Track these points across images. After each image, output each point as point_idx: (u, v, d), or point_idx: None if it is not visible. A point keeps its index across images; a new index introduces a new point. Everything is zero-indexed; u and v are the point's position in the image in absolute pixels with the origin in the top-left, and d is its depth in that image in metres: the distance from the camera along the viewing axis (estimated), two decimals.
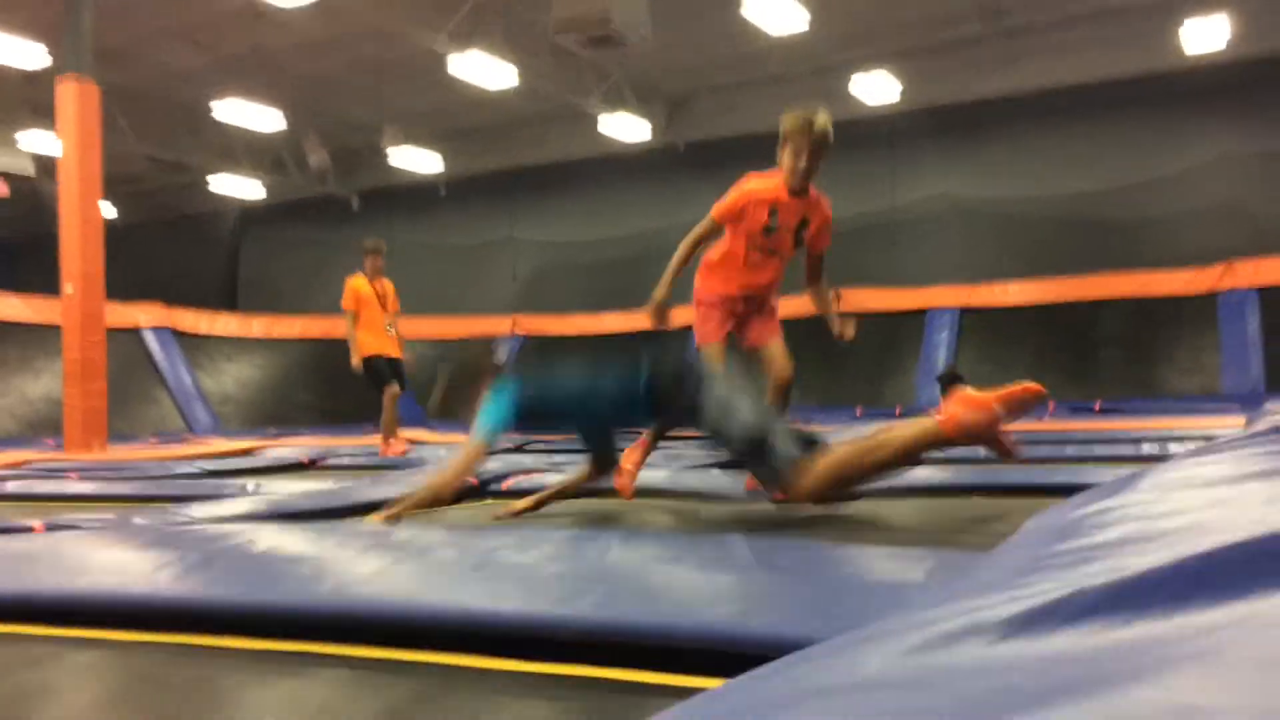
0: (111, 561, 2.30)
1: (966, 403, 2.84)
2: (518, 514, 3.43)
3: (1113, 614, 0.90)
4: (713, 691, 0.99)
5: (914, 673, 0.88)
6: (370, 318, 8.06)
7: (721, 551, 2.07)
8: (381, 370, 8.04)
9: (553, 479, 4.52)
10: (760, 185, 3.85)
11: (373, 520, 3.04)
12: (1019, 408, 2.84)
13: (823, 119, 3.71)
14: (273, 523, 3.53)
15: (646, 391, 3.05)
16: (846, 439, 3.06)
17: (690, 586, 1.79)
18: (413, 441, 9.99)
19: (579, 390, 3.19)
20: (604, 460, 3.50)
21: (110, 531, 2.96)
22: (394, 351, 8.19)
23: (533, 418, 3.21)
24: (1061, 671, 0.79)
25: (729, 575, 1.85)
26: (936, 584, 1.63)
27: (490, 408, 3.12)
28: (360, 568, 1.95)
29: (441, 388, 3.41)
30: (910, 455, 2.92)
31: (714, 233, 3.96)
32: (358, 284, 8.12)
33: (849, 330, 4.04)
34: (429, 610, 1.69)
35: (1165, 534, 1.19)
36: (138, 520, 3.39)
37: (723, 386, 3.01)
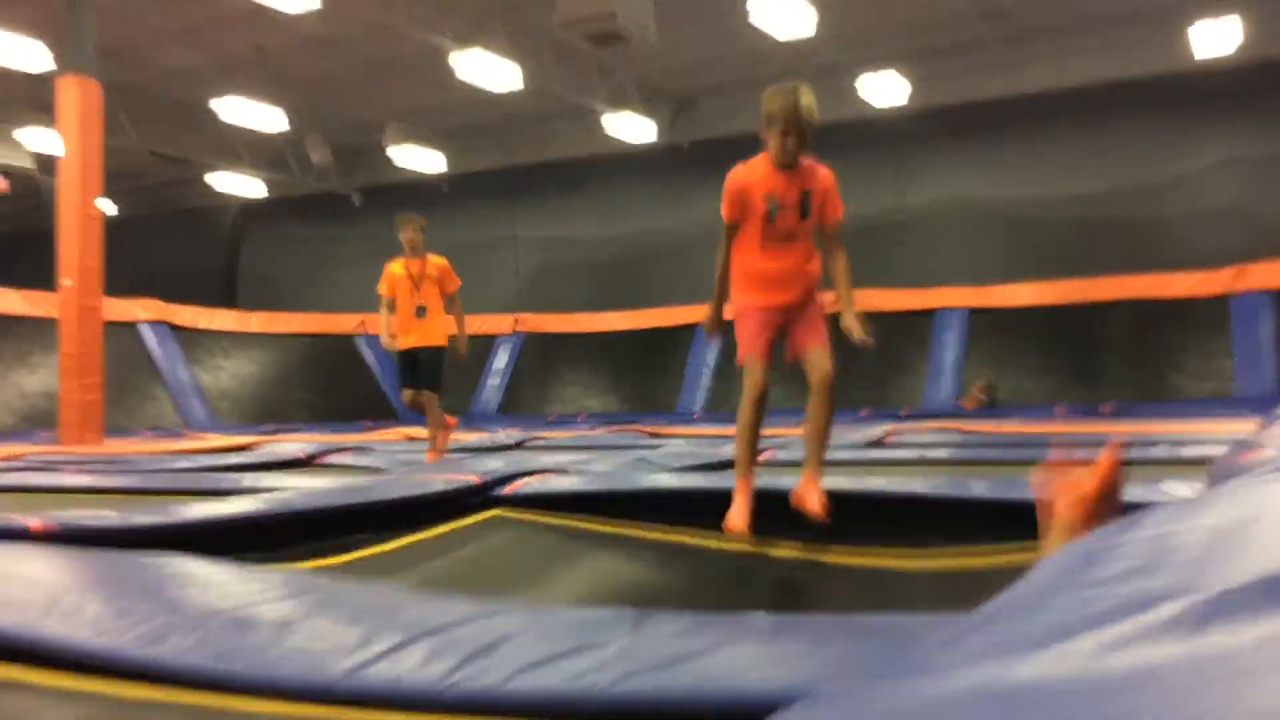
0: (114, 614, 2.18)
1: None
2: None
3: (1129, 648, 0.88)
4: None
5: (927, 711, 0.86)
6: (401, 303, 7.22)
7: (741, 624, 2.01)
8: (402, 371, 7.37)
9: (559, 480, 4.41)
10: (747, 174, 3.74)
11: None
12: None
13: (806, 96, 3.62)
14: (274, 534, 3.43)
15: None
16: None
17: (707, 658, 1.74)
18: (412, 438, 9.90)
19: None
20: None
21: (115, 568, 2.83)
22: (422, 340, 7.22)
23: None
24: (1078, 706, 0.78)
25: (746, 646, 1.81)
26: (942, 642, 1.59)
27: None
28: (375, 646, 1.86)
29: None
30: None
31: (731, 236, 3.81)
32: (392, 267, 7.37)
33: (862, 331, 3.80)
34: (444, 692, 1.63)
35: (1180, 569, 1.15)
36: (136, 519, 3.28)
37: None
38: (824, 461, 3.55)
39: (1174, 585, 1.01)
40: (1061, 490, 2.47)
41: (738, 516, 3.39)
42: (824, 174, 3.79)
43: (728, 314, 3.89)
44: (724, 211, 3.74)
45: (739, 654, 1.74)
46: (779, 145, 3.60)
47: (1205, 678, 0.77)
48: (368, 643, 1.87)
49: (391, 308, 7.21)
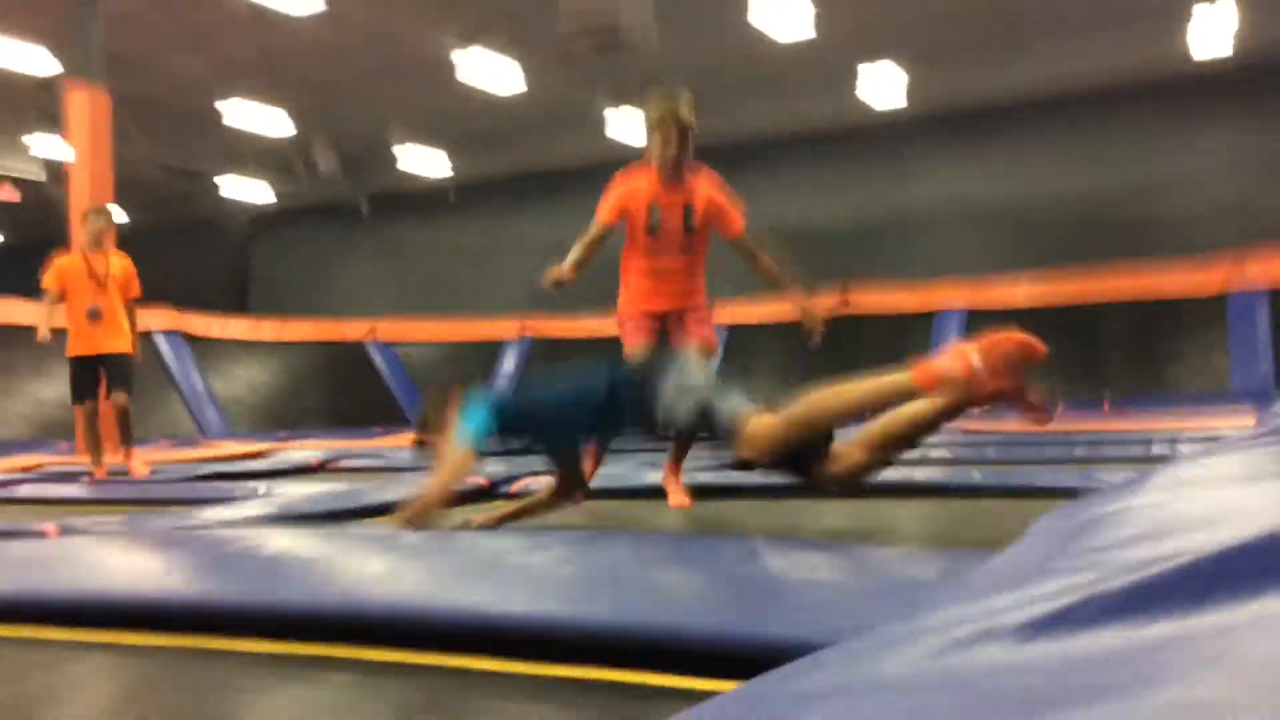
0: (121, 564, 2.31)
1: (946, 352, 2.52)
2: (492, 523, 3.27)
3: (1130, 616, 0.91)
4: (732, 693, 0.99)
5: (934, 675, 0.88)
6: (76, 302, 6.46)
7: (732, 553, 2.07)
8: (79, 378, 6.55)
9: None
10: (632, 183, 3.71)
11: (386, 522, 3.02)
12: (1003, 362, 2.46)
13: (685, 101, 3.63)
14: (282, 526, 3.57)
15: (614, 394, 2.92)
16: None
17: (701, 588, 1.78)
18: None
19: (554, 398, 3.10)
20: (570, 479, 3.32)
21: (120, 535, 2.98)
22: (106, 347, 6.54)
23: (510, 430, 3.10)
24: (1081, 673, 0.80)
25: (740, 577, 1.84)
26: (948, 585, 1.62)
27: (468, 416, 3.03)
28: (369, 569, 1.95)
29: (420, 417, 3.33)
30: (879, 404, 2.62)
31: (602, 236, 3.79)
32: (65, 261, 6.60)
33: (815, 330, 3.71)
34: (439, 610, 1.69)
35: (1178, 534, 1.17)
36: (149, 524, 3.42)
37: (667, 371, 2.87)
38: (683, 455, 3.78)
39: (1174, 552, 1.03)
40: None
41: (677, 494, 3.67)
42: (707, 184, 3.74)
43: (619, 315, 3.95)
44: (600, 213, 3.72)
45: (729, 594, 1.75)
46: (662, 153, 3.59)
47: (1211, 648, 0.79)
48: (363, 566, 1.94)
49: (55, 303, 6.47)
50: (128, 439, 6.64)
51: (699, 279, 3.80)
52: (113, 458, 6.96)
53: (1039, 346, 2.50)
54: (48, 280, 6.52)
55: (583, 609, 1.65)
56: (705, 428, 2.79)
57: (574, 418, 3.05)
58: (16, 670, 1.72)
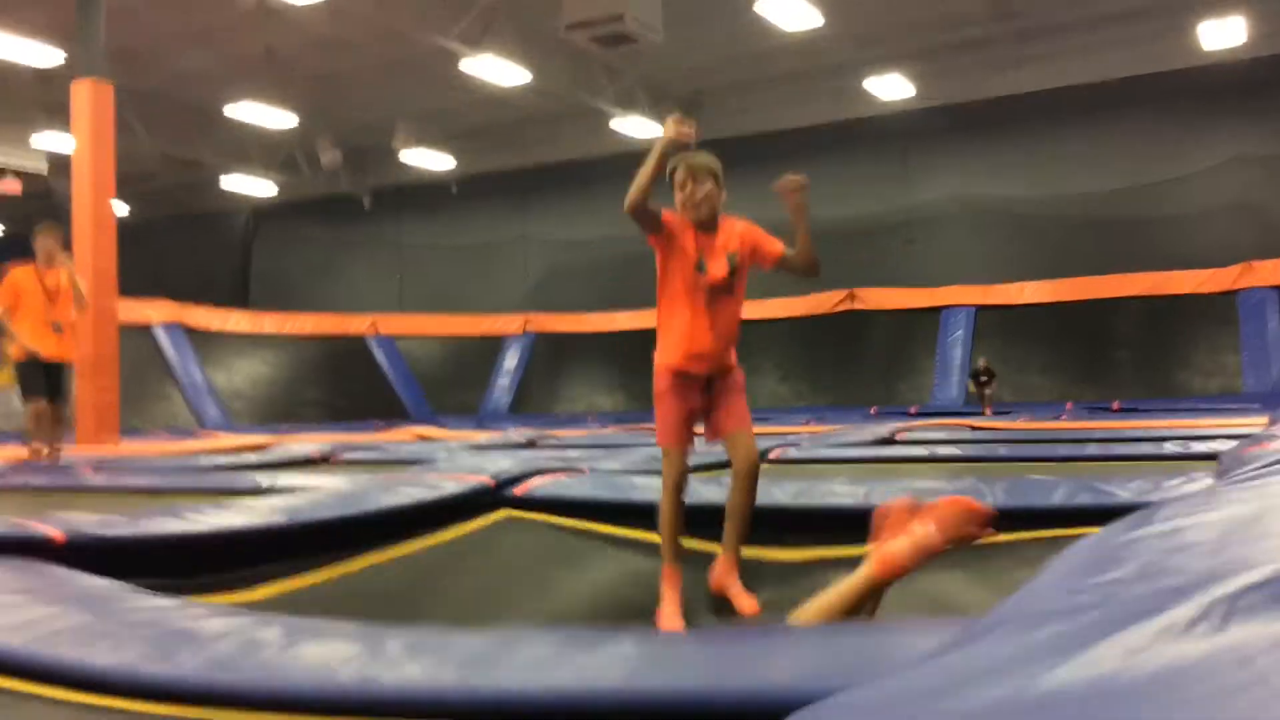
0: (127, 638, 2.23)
1: (902, 536, 2.48)
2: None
3: (1148, 649, 0.89)
4: None
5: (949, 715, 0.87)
6: (31, 312, 6.92)
7: (743, 633, 2.03)
8: (32, 378, 6.97)
9: (567, 480, 4.45)
10: (675, 218, 3.55)
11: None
12: (955, 526, 2.43)
13: (700, 156, 3.52)
14: (286, 543, 3.48)
15: None
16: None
17: (721, 656, 1.76)
18: (424, 437, 9.98)
19: None
20: None
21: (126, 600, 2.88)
22: (61, 354, 7.06)
23: None
24: (1102, 710, 0.79)
25: (739, 650, 1.81)
26: (960, 630, 1.60)
27: None
28: (382, 659, 1.89)
29: None
30: (855, 605, 2.51)
31: (654, 216, 3.54)
32: (17, 276, 6.96)
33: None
34: (453, 692, 1.64)
35: (1195, 566, 1.16)
36: (155, 528, 3.34)
37: None
38: (741, 547, 3.36)
39: (1190, 584, 1.02)
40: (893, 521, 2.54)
41: (671, 615, 3.18)
42: (740, 224, 3.57)
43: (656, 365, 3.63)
44: (660, 217, 3.51)
45: (755, 655, 1.74)
46: (684, 200, 3.44)
47: (1229, 681, 0.78)
48: (374, 653, 1.89)
49: (5, 318, 6.92)
50: (59, 438, 7.34)
51: (737, 323, 3.62)
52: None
53: (988, 512, 2.44)
54: (1, 295, 6.92)
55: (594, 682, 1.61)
56: None
57: None
58: None
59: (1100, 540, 1.68)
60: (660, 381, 3.57)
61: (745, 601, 3.28)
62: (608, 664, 1.68)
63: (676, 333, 3.50)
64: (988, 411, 12.73)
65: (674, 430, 3.46)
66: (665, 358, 3.54)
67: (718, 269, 3.43)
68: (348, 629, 2.10)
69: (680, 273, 3.47)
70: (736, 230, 3.51)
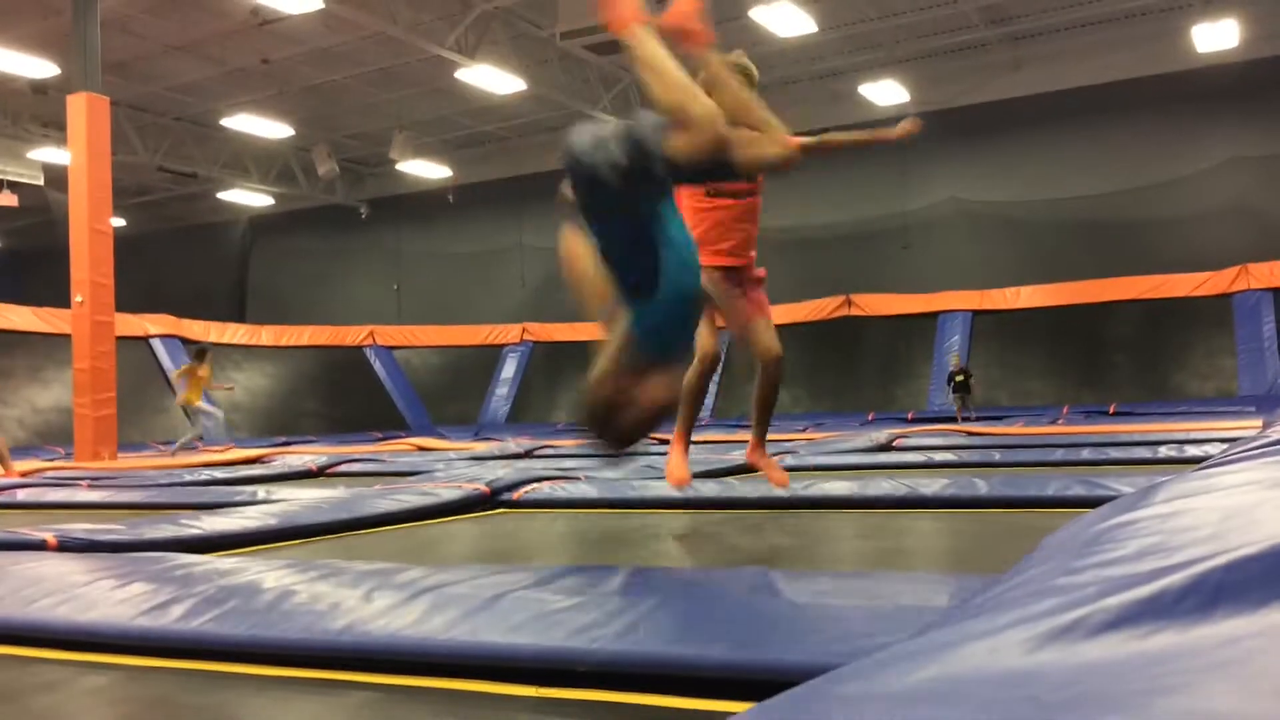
0: (122, 597, 2.25)
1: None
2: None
3: (1138, 626, 0.91)
4: (746, 713, 0.97)
5: (945, 686, 0.89)
6: None
7: (743, 581, 2.03)
8: None
9: (561, 486, 4.49)
10: None
11: None
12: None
13: (736, 54, 3.65)
14: (285, 542, 3.51)
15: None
16: None
17: (713, 616, 1.75)
18: (422, 448, 9.98)
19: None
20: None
21: (122, 563, 2.93)
22: None
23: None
24: (1089, 683, 0.80)
25: (752, 604, 1.82)
26: (958, 603, 1.62)
27: None
28: (373, 604, 1.92)
29: None
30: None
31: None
32: None
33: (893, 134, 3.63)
34: (445, 645, 1.66)
35: (1186, 546, 1.17)
36: (148, 532, 3.35)
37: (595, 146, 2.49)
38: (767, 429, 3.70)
39: (1182, 562, 1.03)
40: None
41: (678, 469, 3.53)
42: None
43: None
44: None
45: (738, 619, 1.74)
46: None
47: (1219, 657, 0.79)
48: (366, 601, 1.92)
49: None
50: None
51: (755, 226, 3.77)
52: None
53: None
54: None
55: (592, 640, 1.61)
56: (646, 161, 2.44)
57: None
58: (16, 691, 1.68)
59: (1092, 520, 1.69)
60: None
61: (777, 475, 3.72)
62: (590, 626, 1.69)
63: (695, 224, 3.62)
64: (960, 417, 12.47)
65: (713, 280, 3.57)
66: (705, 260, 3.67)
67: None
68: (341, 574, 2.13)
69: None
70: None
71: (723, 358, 3.70)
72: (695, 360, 3.55)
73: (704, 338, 3.54)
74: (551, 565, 2.28)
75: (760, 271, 3.76)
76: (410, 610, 1.84)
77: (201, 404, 11.92)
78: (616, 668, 1.52)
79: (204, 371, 12.02)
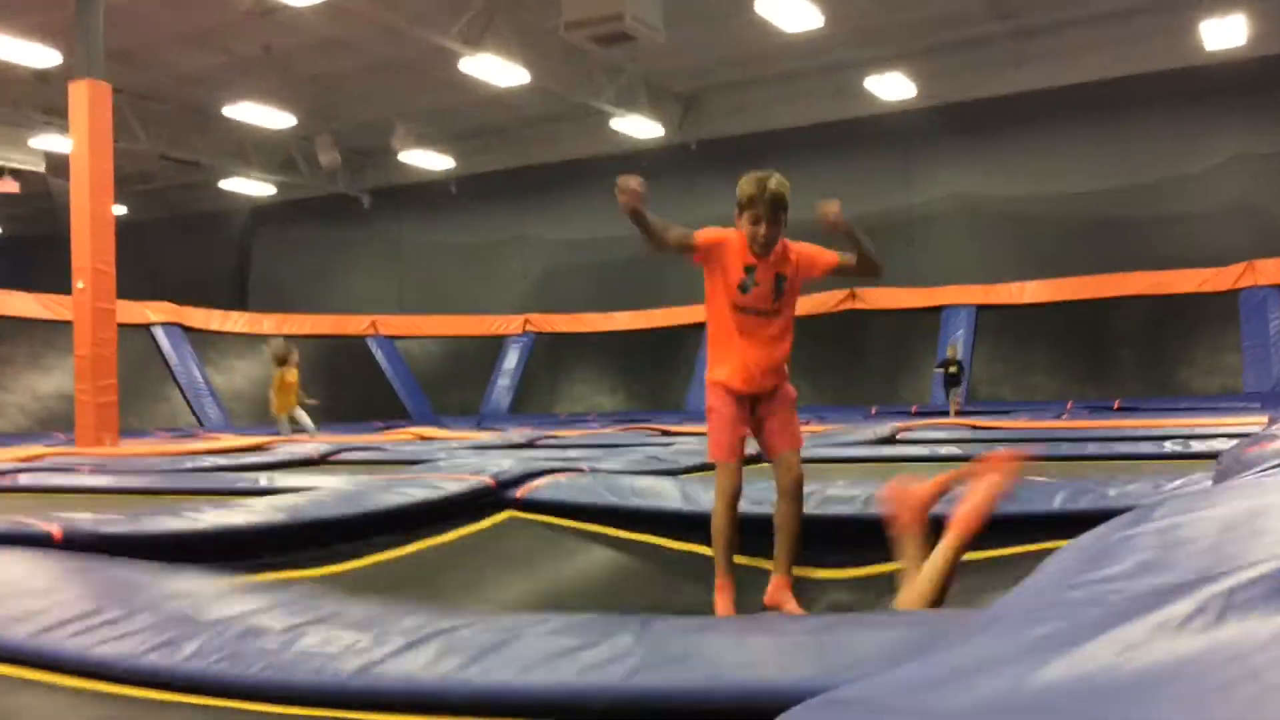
0: (129, 629, 2.21)
1: (916, 508, 2.78)
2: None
3: (1143, 644, 0.90)
4: None
5: (950, 709, 0.88)
6: None
7: (750, 622, 2.03)
8: None
9: (567, 481, 4.43)
10: (726, 236, 3.57)
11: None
12: (1009, 473, 2.74)
13: (775, 181, 3.48)
14: (289, 541, 3.46)
15: None
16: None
17: (719, 651, 1.75)
18: (424, 437, 9.96)
19: None
20: None
21: (129, 588, 2.88)
22: None
23: None
24: (1096, 706, 0.80)
25: (758, 640, 1.82)
26: (960, 625, 1.60)
27: None
28: (382, 647, 1.88)
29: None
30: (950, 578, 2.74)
31: (685, 247, 3.61)
32: None
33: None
34: (459, 687, 1.64)
35: (1191, 562, 1.18)
36: (151, 525, 3.32)
37: None
38: (793, 564, 3.35)
39: (1187, 580, 1.02)
40: (900, 503, 2.71)
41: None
42: (799, 249, 3.61)
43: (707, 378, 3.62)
44: (699, 237, 3.53)
45: (750, 650, 1.74)
46: (753, 233, 3.44)
47: (1225, 675, 0.78)
48: (379, 643, 1.89)
49: None
50: None
51: (787, 343, 3.63)
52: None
53: (1027, 455, 2.85)
54: None
55: (606, 676, 1.61)
56: None
57: None
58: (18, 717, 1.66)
59: (1096, 538, 1.68)
60: (712, 397, 3.55)
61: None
62: (609, 659, 1.67)
63: (724, 351, 3.51)
64: (954, 410, 12.32)
65: (726, 443, 3.43)
66: (716, 375, 3.54)
67: (763, 291, 3.43)
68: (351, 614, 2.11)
69: (725, 292, 3.49)
70: (791, 256, 3.53)
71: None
72: (719, 500, 3.36)
73: (727, 475, 3.37)
74: (564, 598, 2.24)
75: (791, 392, 3.57)
76: (422, 653, 1.82)
77: (297, 410, 11.34)
78: (632, 704, 1.52)
79: (292, 376, 11.46)
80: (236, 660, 1.86)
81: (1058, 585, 1.31)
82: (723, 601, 3.24)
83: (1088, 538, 1.76)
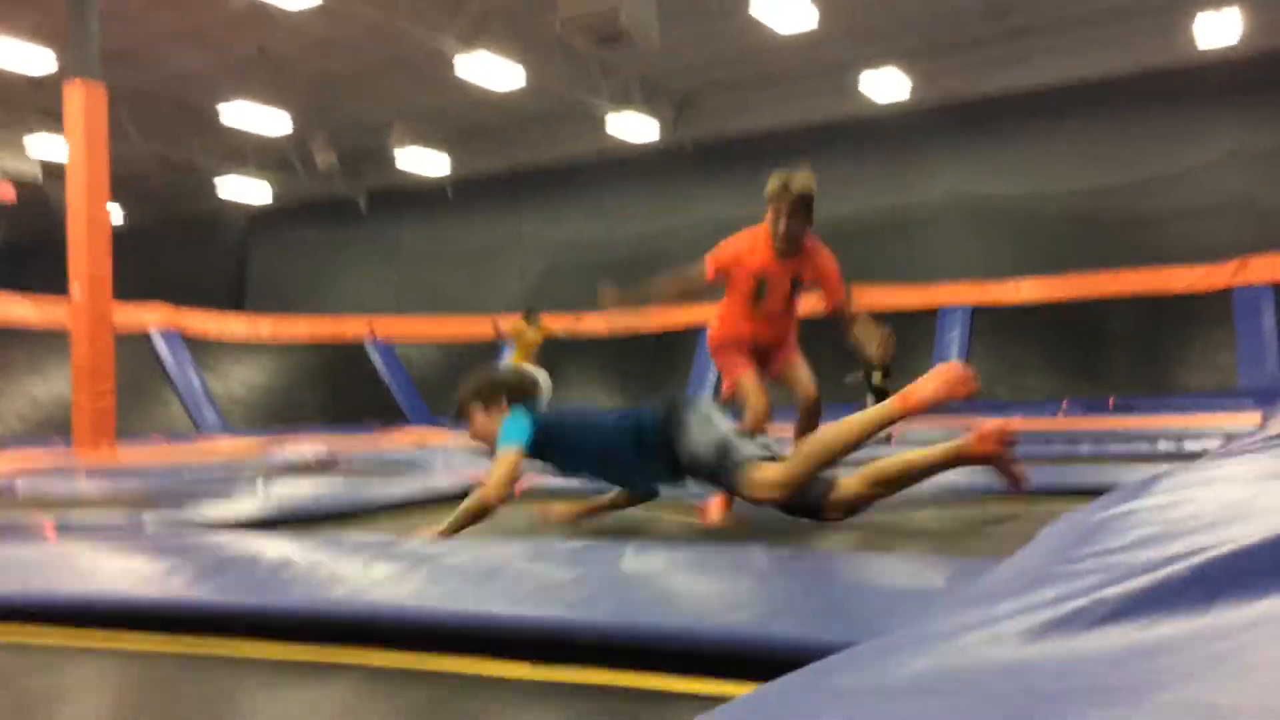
0: (124, 567, 2.27)
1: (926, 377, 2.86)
2: (562, 518, 3.29)
3: (1135, 618, 0.91)
4: (745, 698, 0.97)
5: (943, 678, 0.89)
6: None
7: (741, 558, 2.03)
8: None
9: (561, 480, 4.46)
10: (742, 248, 3.67)
11: (422, 535, 2.90)
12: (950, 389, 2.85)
13: (801, 179, 3.59)
14: (285, 527, 3.50)
15: (648, 440, 2.96)
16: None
17: (710, 592, 1.75)
18: (422, 441, 9.97)
19: (591, 435, 3.10)
20: (636, 496, 3.33)
21: (122, 537, 2.94)
22: None
23: (546, 451, 3.11)
24: (1085, 674, 0.81)
25: (749, 581, 1.82)
26: (958, 589, 1.62)
27: (513, 423, 3.08)
28: (374, 574, 1.92)
29: (464, 391, 3.38)
30: (872, 434, 2.89)
31: (697, 289, 3.83)
32: None
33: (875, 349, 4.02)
34: (446, 614, 1.66)
35: (1186, 537, 1.18)
36: (149, 519, 3.36)
37: (700, 421, 2.92)
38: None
39: (1181, 555, 1.04)
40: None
41: (715, 509, 3.42)
42: (823, 259, 3.73)
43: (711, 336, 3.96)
44: (705, 269, 3.73)
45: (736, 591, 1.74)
46: (775, 229, 3.57)
47: (1214, 650, 0.80)
48: (365, 571, 1.91)
49: None
50: None
51: (795, 317, 3.88)
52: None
53: (976, 386, 2.89)
54: None
55: (589, 612, 1.61)
56: (720, 471, 2.85)
57: (606, 454, 3.07)
58: (15, 673, 1.67)
59: (1091, 511, 1.70)
60: (714, 342, 3.77)
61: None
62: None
63: (734, 325, 3.69)
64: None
65: (739, 365, 3.71)
66: (724, 334, 3.73)
67: (778, 293, 3.60)
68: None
69: (740, 291, 3.64)
70: (817, 262, 3.69)
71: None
72: (749, 417, 3.59)
73: (755, 397, 3.63)
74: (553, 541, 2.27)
75: (793, 340, 3.97)
76: (411, 580, 1.85)
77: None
78: (617, 641, 1.52)
79: (533, 334, 11.44)
80: (225, 590, 1.91)
81: (1054, 557, 1.32)
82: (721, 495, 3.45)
83: (1082, 512, 1.78)
